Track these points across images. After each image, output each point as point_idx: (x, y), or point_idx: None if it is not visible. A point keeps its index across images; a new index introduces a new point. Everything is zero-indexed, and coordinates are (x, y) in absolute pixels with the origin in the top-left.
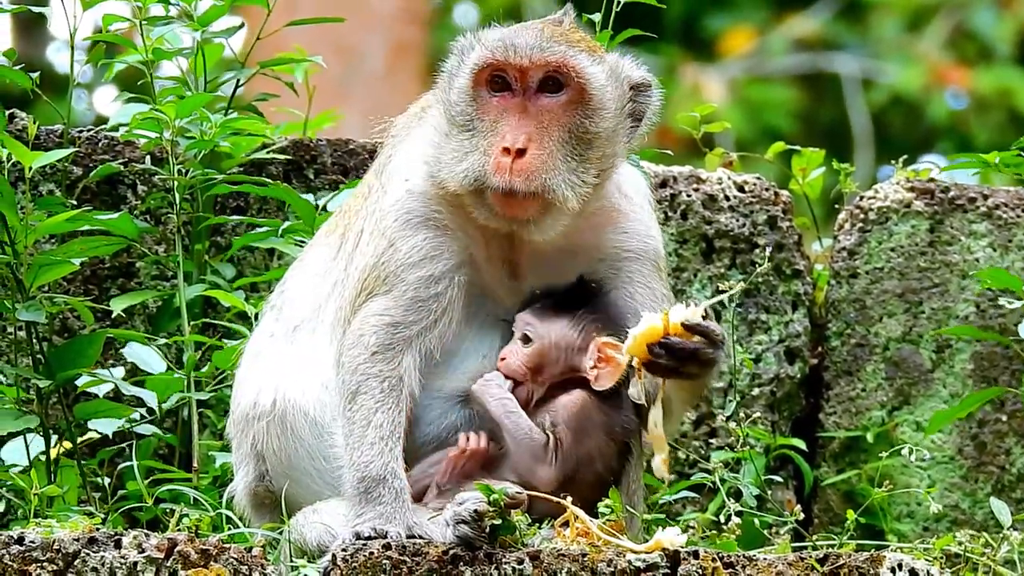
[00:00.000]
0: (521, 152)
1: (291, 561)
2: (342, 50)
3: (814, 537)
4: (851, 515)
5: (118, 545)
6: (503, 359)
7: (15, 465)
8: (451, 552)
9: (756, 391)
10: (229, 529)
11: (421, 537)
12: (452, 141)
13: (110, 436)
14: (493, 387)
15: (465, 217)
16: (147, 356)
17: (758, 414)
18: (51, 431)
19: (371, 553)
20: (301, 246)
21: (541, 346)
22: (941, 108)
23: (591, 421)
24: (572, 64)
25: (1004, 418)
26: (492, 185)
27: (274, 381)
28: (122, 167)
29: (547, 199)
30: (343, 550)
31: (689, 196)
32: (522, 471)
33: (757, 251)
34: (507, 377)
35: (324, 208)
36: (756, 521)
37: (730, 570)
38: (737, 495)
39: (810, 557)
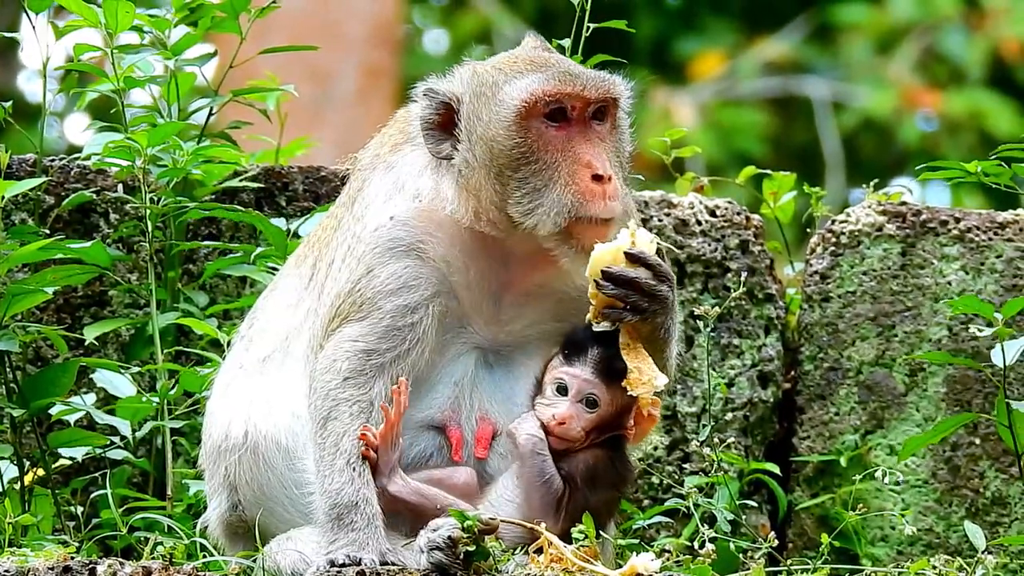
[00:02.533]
0: (609, 178)
1: None
2: (315, 74)
3: (788, 562)
4: (825, 539)
5: (92, 573)
6: (561, 423)
7: None
8: None
9: (729, 415)
10: (204, 557)
11: (395, 564)
12: (511, 180)
13: (83, 464)
14: (528, 424)
15: (449, 245)
16: (116, 381)
17: (732, 439)
18: (25, 460)
19: None
20: (273, 273)
21: (607, 412)
22: (912, 131)
23: (604, 476)
24: (622, 92)
25: (977, 441)
26: (589, 214)
27: (245, 412)
28: (94, 196)
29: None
30: None
31: (661, 221)
32: (527, 518)
33: (729, 275)
34: (557, 436)
35: (296, 234)
36: (730, 546)
37: None
38: (711, 520)
39: None
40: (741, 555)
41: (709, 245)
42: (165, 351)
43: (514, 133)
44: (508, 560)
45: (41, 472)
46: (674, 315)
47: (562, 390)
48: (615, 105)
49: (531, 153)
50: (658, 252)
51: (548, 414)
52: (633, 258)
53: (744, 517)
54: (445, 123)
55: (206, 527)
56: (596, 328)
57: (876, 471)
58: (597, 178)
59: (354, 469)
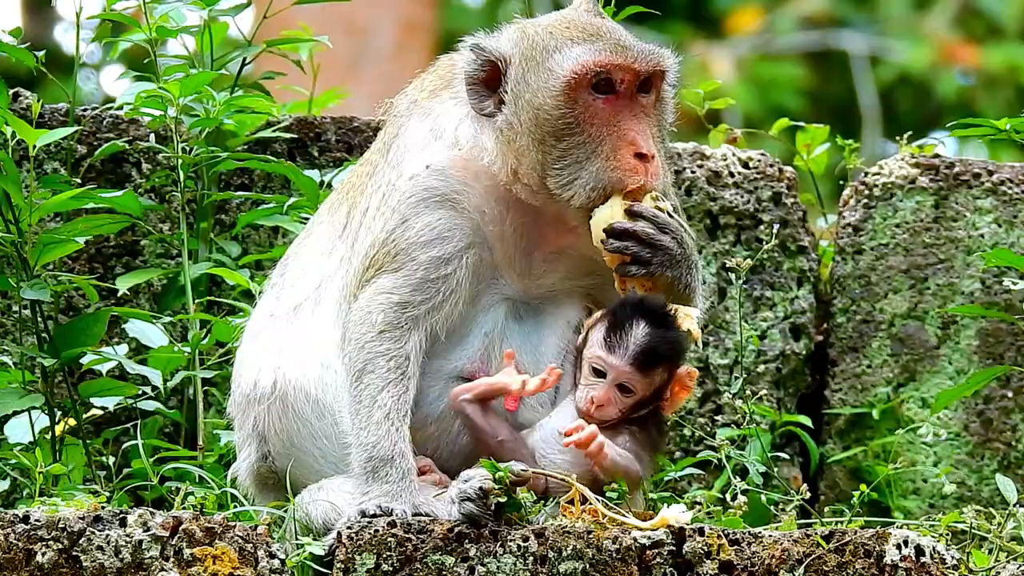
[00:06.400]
0: (652, 157)
1: (296, 538)
2: (352, 29)
3: (820, 514)
4: (863, 488)
5: (123, 523)
6: (600, 406)
7: (20, 444)
8: (456, 529)
9: (762, 368)
10: (234, 507)
11: (427, 515)
12: (554, 149)
13: (114, 414)
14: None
15: (484, 195)
16: (149, 331)
17: (764, 391)
18: (56, 409)
19: (376, 531)
20: (305, 223)
21: (643, 396)
22: (949, 85)
23: (636, 443)
24: (671, 65)
25: (1010, 394)
26: (629, 187)
27: (274, 361)
28: (127, 145)
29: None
30: (348, 527)
31: (693, 172)
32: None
33: (762, 227)
34: (595, 418)
35: (329, 185)
36: (762, 498)
37: (736, 547)
38: (743, 472)
39: (816, 534)
40: (773, 507)
41: (742, 197)
42: (197, 301)
43: (561, 103)
44: (539, 511)
45: (72, 422)
46: (692, 271)
47: (599, 374)
48: (662, 77)
49: (577, 124)
50: (676, 213)
51: (587, 395)
52: (631, 213)
53: (776, 469)
54: (489, 80)
55: (236, 477)
56: (626, 295)
57: (913, 427)
58: (640, 156)
59: (392, 423)
